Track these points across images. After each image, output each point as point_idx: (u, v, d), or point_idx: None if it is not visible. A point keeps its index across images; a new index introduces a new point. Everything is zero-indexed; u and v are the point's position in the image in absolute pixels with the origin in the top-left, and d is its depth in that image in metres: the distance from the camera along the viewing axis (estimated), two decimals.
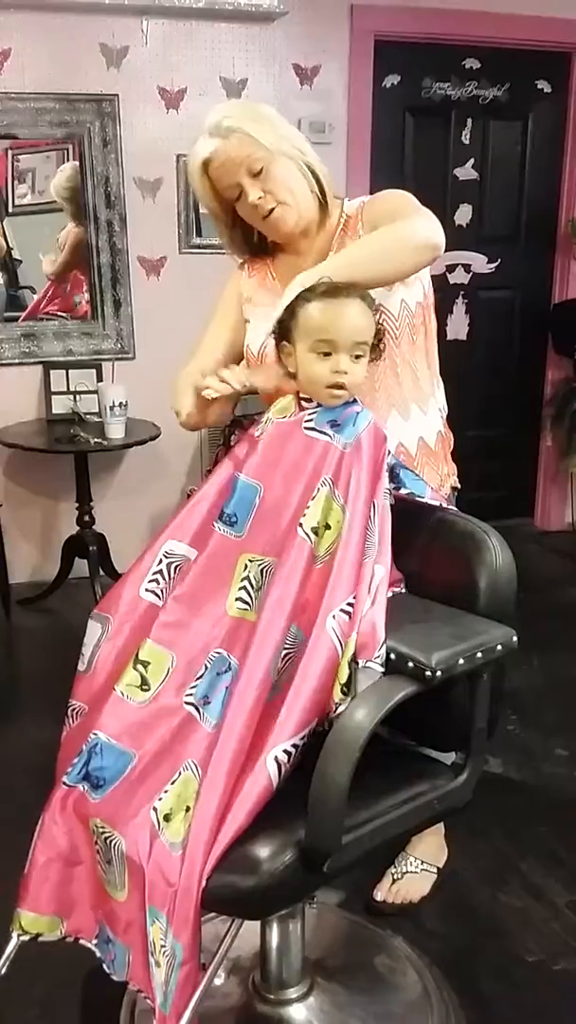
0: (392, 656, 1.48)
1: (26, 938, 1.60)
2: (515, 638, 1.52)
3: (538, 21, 4.23)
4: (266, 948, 1.83)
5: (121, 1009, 1.89)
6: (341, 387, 1.60)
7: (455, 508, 1.84)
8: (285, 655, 1.50)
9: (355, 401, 1.64)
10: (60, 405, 4.03)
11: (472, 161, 4.51)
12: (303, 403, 1.66)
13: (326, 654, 1.48)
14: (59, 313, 4.07)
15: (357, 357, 1.61)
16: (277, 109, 1.88)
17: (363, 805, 1.49)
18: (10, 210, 3.89)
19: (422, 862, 2.29)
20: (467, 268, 4.59)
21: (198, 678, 1.57)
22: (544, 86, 4.49)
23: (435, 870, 2.30)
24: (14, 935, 1.60)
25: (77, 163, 3.91)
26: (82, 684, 1.68)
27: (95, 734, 1.56)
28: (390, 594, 1.57)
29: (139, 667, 1.61)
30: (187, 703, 1.56)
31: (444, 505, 1.72)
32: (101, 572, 3.92)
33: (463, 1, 4.11)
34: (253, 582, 1.59)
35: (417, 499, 1.68)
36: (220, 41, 3.94)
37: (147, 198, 4.03)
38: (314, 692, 1.46)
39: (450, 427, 2.09)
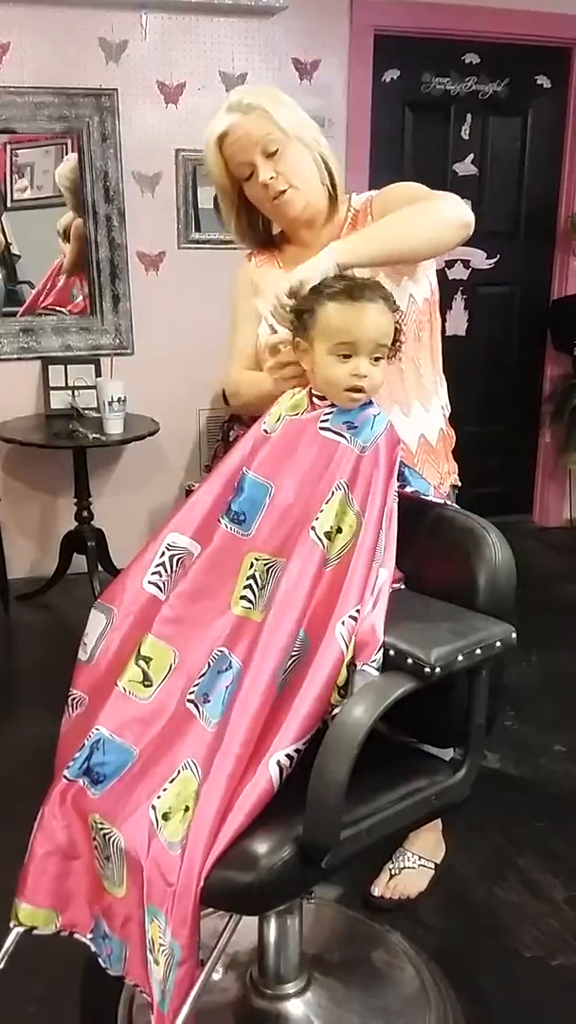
0: (391, 652, 1.47)
1: (22, 930, 1.60)
2: (514, 634, 1.51)
3: (538, 16, 4.22)
4: (264, 943, 1.83)
5: (119, 1004, 1.89)
6: (360, 390, 1.57)
7: (455, 504, 1.84)
8: (291, 659, 1.50)
9: (371, 403, 1.62)
10: (58, 400, 4.02)
11: (472, 156, 4.51)
12: (316, 400, 1.65)
13: (333, 660, 1.47)
14: (57, 308, 4.06)
15: (376, 359, 1.58)
16: None
17: (361, 801, 1.49)
18: (8, 205, 3.89)
19: (420, 858, 2.29)
20: (466, 264, 4.59)
21: (201, 676, 1.57)
22: (544, 81, 4.49)
23: (433, 866, 2.30)
24: (14, 930, 1.61)
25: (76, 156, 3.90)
26: (83, 674, 1.67)
27: (97, 729, 1.56)
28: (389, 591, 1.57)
29: (141, 663, 1.60)
30: (189, 700, 1.56)
31: (445, 502, 1.72)
32: (100, 567, 3.92)
33: None
34: (258, 581, 1.57)
35: (421, 496, 1.67)
36: (219, 35, 3.93)
37: (146, 193, 4.03)
38: (319, 698, 1.46)
39: (450, 424, 2.09)
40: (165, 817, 1.45)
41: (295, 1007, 1.85)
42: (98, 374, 4.01)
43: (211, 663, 1.56)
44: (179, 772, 1.48)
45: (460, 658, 1.45)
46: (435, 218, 1.74)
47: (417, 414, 1.97)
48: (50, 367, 4.03)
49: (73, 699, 1.68)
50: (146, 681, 1.59)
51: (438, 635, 1.47)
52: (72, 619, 3.60)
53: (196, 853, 1.39)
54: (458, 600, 1.57)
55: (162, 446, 4.15)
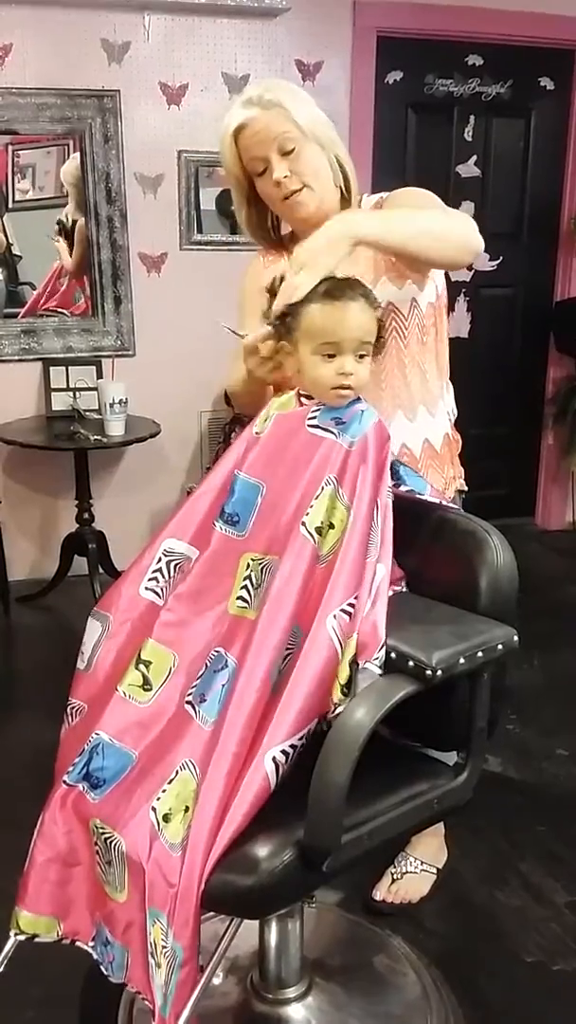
0: (392, 655, 1.47)
1: (23, 938, 1.59)
2: (516, 637, 1.51)
3: (541, 18, 4.22)
4: (265, 947, 1.83)
5: (119, 1009, 1.88)
6: (348, 388, 1.58)
7: (457, 507, 1.83)
8: (286, 655, 1.49)
9: (359, 399, 1.62)
10: (60, 402, 4.02)
11: (475, 158, 4.50)
12: (304, 401, 1.64)
13: (324, 654, 1.46)
14: (59, 309, 4.06)
15: (361, 357, 1.58)
16: None
17: (363, 804, 1.48)
18: (10, 205, 3.88)
19: (422, 862, 2.28)
20: (469, 265, 4.57)
21: (199, 677, 1.56)
22: (547, 83, 4.48)
23: (435, 871, 2.30)
24: (12, 935, 1.60)
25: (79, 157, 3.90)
26: (82, 683, 1.67)
27: (97, 734, 1.55)
28: (390, 593, 1.56)
29: (141, 667, 1.59)
30: (187, 702, 1.55)
31: (444, 503, 1.71)
32: (100, 570, 3.91)
33: None
34: (254, 580, 1.57)
35: (417, 496, 1.67)
36: (222, 37, 3.93)
37: (148, 194, 4.03)
38: (311, 693, 1.45)
39: (456, 428, 2.08)
40: (166, 818, 1.44)
41: (296, 1012, 1.84)
42: (99, 376, 4.01)
43: (208, 664, 1.56)
44: (177, 773, 1.48)
45: (462, 661, 1.44)
46: (457, 234, 1.74)
47: (422, 419, 1.96)
48: (51, 368, 4.02)
49: (72, 708, 1.67)
50: (146, 685, 1.59)
51: (439, 638, 1.47)
52: (73, 621, 3.60)
53: (197, 853, 1.38)
54: (460, 603, 1.57)
55: (163, 448, 4.15)
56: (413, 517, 1.63)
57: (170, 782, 1.47)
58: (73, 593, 3.94)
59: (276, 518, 1.57)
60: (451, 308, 4.52)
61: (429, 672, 1.41)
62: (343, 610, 1.48)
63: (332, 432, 1.57)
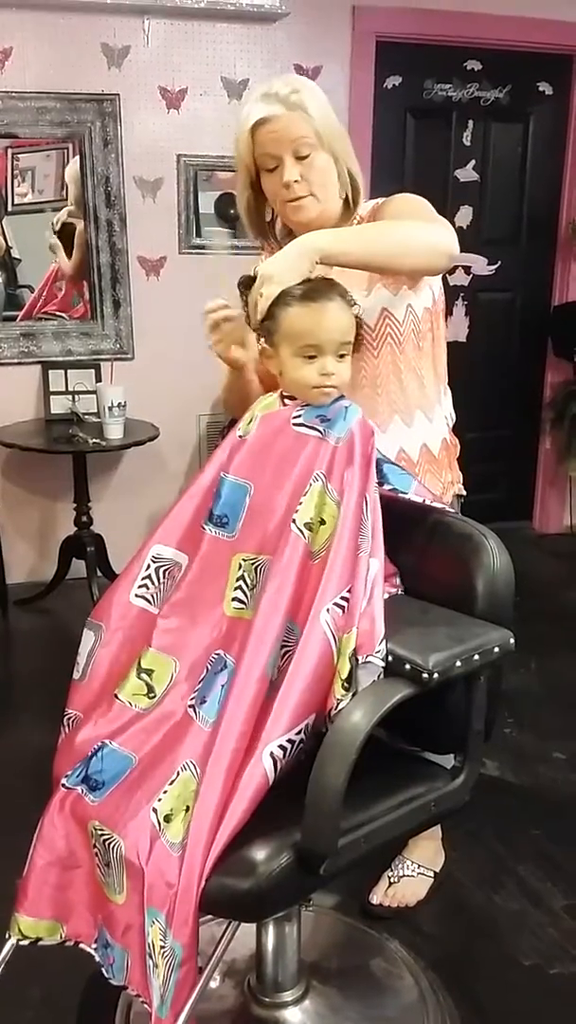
0: (389, 658, 1.47)
1: (25, 943, 1.59)
2: (512, 640, 1.51)
3: (539, 23, 4.23)
4: (262, 951, 1.83)
5: (116, 1011, 1.89)
6: (330, 387, 1.59)
7: (454, 510, 1.84)
8: (284, 652, 1.50)
9: (342, 396, 1.64)
10: (58, 405, 4.02)
11: (473, 163, 4.51)
12: (286, 400, 1.65)
13: (319, 648, 1.47)
14: (58, 313, 4.06)
15: (341, 356, 1.60)
16: None
17: (360, 807, 1.49)
18: (9, 209, 3.89)
19: (419, 866, 2.28)
20: (467, 270, 4.59)
21: (200, 681, 1.57)
22: (545, 88, 4.49)
23: (432, 874, 2.30)
24: (11, 939, 1.60)
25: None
26: (77, 693, 1.68)
27: (101, 743, 1.57)
28: (386, 595, 1.57)
29: (143, 676, 1.60)
30: (189, 706, 1.56)
31: (433, 503, 1.71)
32: (98, 573, 3.91)
33: (465, 3, 4.10)
34: (248, 581, 1.58)
35: (402, 496, 1.66)
36: (221, 41, 3.93)
37: (147, 198, 4.03)
38: (308, 687, 1.46)
39: (454, 433, 2.08)
40: (167, 819, 1.45)
41: (293, 1015, 1.84)
42: (98, 379, 4.00)
43: (209, 667, 1.57)
44: (178, 774, 1.49)
45: (458, 664, 1.45)
46: (421, 239, 1.74)
47: (419, 424, 1.96)
48: (50, 372, 4.02)
49: (69, 718, 1.68)
50: (150, 693, 1.60)
51: (436, 641, 1.47)
52: (71, 625, 3.60)
53: (196, 852, 1.39)
54: (456, 606, 1.57)
55: (162, 451, 4.15)
56: (410, 520, 1.64)
57: (171, 783, 1.48)
58: (71, 596, 3.94)
59: (266, 517, 1.58)
60: (449, 312, 4.52)
61: (426, 675, 1.42)
62: (336, 604, 1.49)
63: (318, 430, 1.59)
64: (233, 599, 1.58)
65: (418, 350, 1.93)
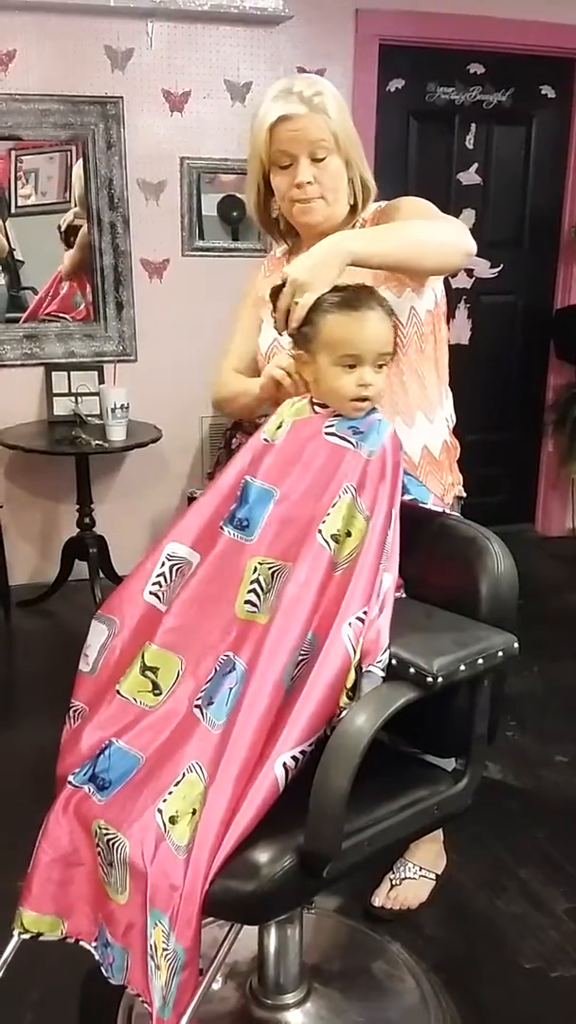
0: (393, 662, 1.47)
1: (27, 937, 1.60)
2: (516, 644, 1.51)
3: (543, 26, 4.23)
4: (264, 953, 1.83)
5: (118, 1013, 1.89)
6: (366, 399, 1.59)
7: (457, 514, 1.84)
8: (299, 661, 1.50)
9: (374, 409, 1.63)
10: (61, 407, 4.02)
11: (476, 166, 4.51)
12: (318, 409, 1.65)
13: (340, 662, 1.47)
14: (61, 314, 4.07)
15: (380, 367, 1.60)
16: None
17: (363, 810, 1.49)
18: (13, 211, 3.89)
19: (421, 868, 2.28)
20: (469, 272, 4.59)
21: (208, 681, 1.56)
22: (548, 91, 4.49)
23: (434, 876, 2.30)
24: (15, 934, 1.60)
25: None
26: (85, 685, 1.68)
27: (109, 741, 1.57)
28: None
29: (148, 673, 1.60)
30: (196, 706, 1.56)
31: (446, 511, 1.72)
32: (101, 574, 3.91)
33: (468, 6, 4.11)
34: (263, 584, 1.57)
35: (421, 505, 1.68)
36: (225, 44, 3.94)
37: (150, 200, 4.04)
38: (324, 699, 1.46)
39: (455, 435, 2.09)
40: (172, 820, 1.45)
41: (295, 1017, 1.84)
42: (101, 381, 4.01)
43: (217, 668, 1.56)
44: (184, 775, 1.48)
45: (462, 668, 1.45)
46: (447, 238, 1.76)
47: (420, 425, 1.97)
48: (53, 373, 4.03)
49: (75, 711, 1.68)
50: (156, 690, 1.60)
51: (440, 644, 1.47)
52: (73, 626, 3.60)
53: (202, 856, 1.39)
54: (460, 609, 1.57)
55: (164, 453, 4.15)
56: (414, 524, 1.64)
57: (177, 784, 1.48)
58: (74, 598, 3.94)
59: (289, 525, 1.58)
60: (452, 315, 4.53)
61: (430, 679, 1.42)
62: (358, 618, 1.49)
63: (350, 442, 1.59)
64: (246, 601, 1.58)
65: (420, 352, 1.93)
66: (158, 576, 1.66)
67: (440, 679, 1.42)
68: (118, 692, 1.62)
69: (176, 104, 3.96)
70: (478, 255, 4.70)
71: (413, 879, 2.27)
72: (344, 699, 1.47)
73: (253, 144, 1.86)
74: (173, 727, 1.56)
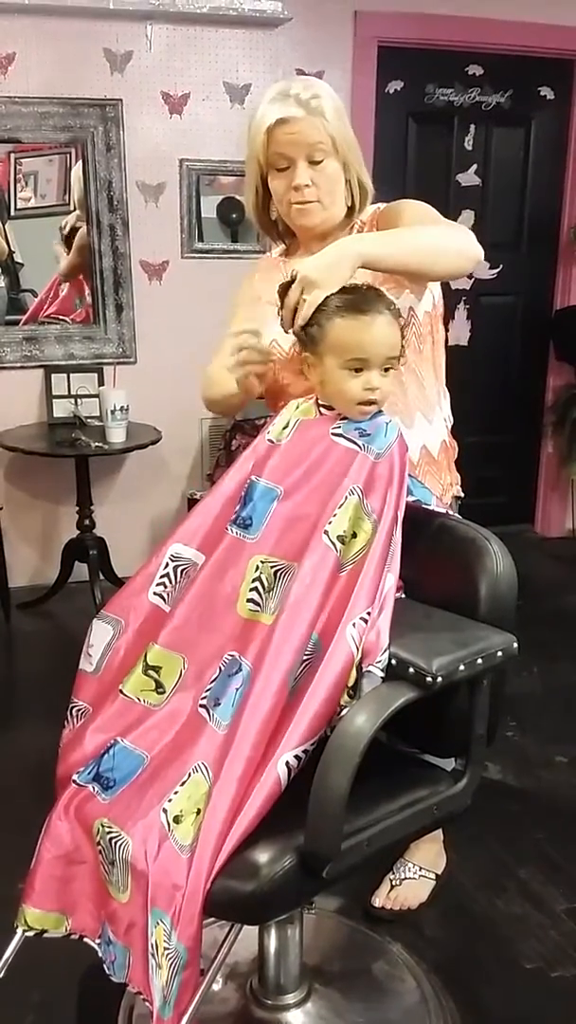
0: (393, 662, 1.48)
1: (31, 934, 1.60)
2: (515, 644, 1.52)
3: (541, 28, 4.24)
4: (264, 953, 1.83)
5: (119, 1013, 1.89)
6: (372, 403, 1.59)
7: (457, 514, 1.84)
8: (303, 662, 1.50)
9: (381, 411, 1.64)
10: (61, 409, 4.03)
11: (475, 167, 4.52)
12: (323, 409, 1.65)
13: (343, 662, 1.48)
14: (60, 317, 4.07)
15: (387, 370, 1.60)
16: None
17: (363, 811, 1.49)
18: (12, 213, 3.90)
19: (421, 868, 2.28)
20: (469, 274, 4.59)
21: (212, 681, 1.57)
22: (547, 93, 4.50)
23: (434, 876, 2.30)
24: (19, 931, 1.61)
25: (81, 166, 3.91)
26: (87, 685, 1.68)
27: (113, 740, 1.57)
28: None
29: (151, 673, 1.61)
30: (201, 705, 1.56)
31: (447, 512, 1.72)
32: (101, 576, 3.91)
33: (466, 8, 4.12)
34: (265, 583, 1.57)
35: (423, 506, 1.68)
36: (224, 46, 3.94)
37: (150, 202, 4.04)
38: (327, 699, 1.46)
39: (453, 435, 2.09)
40: (176, 820, 1.45)
41: (295, 1017, 1.84)
42: (101, 383, 4.01)
43: (222, 668, 1.57)
44: (190, 775, 1.49)
45: (462, 668, 1.45)
46: (458, 246, 1.77)
47: (419, 426, 1.97)
48: (53, 376, 4.03)
49: (77, 710, 1.68)
50: (159, 689, 1.60)
51: (440, 645, 1.48)
52: (73, 628, 3.60)
53: (205, 855, 1.40)
54: (459, 610, 1.58)
55: (164, 455, 4.16)
56: (414, 524, 1.64)
57: (182, 784, 1.48)
58: (74, 599, 3.95)
59: (293, 524, 1.58)
60: (451, 316, 4.53)
61: (429, 679, 1.42)
62: (362, 618, 1.50)
63: (357, 444, 1.59)
64: (248, 600, 1.58)
65: (418, 353, 1.94)
66: (162, 577, 1.66)
67: (439, 679, 1.42)
68: (121, 692, 1.62)
69: (175, 106, 3.96)
70: None
71: (413, 879, 2.27)
72: (345, 698, 1.47)
73: (251, 147, 1.86)
74: (179, 727, 1.56)
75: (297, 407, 1.69)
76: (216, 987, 1.79)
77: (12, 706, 3.34)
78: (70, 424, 3.92)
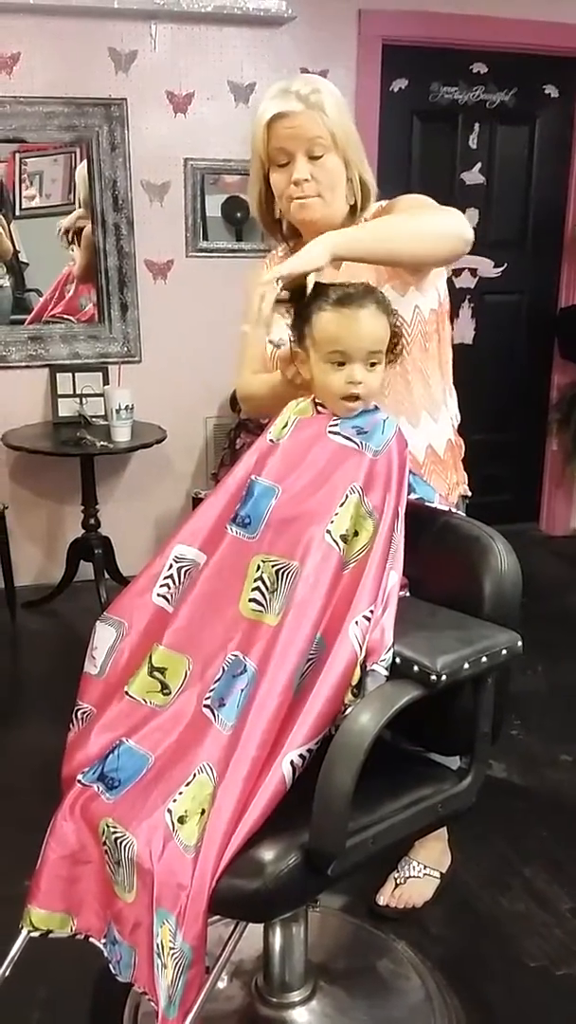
0: (397, 660, 1.48)
1: (36, 934, 1.60)
2: (520, 643, 1.52)
3: (545, 26, 4.23)
4: (269, 951, 1.83)
5: (124, 1011, 1.89)
6: (356, 398, 1.59)
7: (461, 513, 1.84)
8: (308, 662, 1.50)
9: (377, 408, 1.63)
10: (66, 408, 4.03)
11: (479, 165, 4.52)
12: (320, 408, 1.66)
13: (346, 661, 1.48)
14: (65, 316, 4.08)
15: (372, 365, 1.60)
16: None
17: (367, 809, 1.49)
18: (17, 213, 3.90)
19: (425, 866, 2.28)
20: (473, 272, 4.60)
21: (216, 681, 1.57)
22: (551, 91, 4.49)
23: (438, 875, 2.30)
24: (24, 931, 1.61)
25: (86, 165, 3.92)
26: (92, 687, 1.68)
27: (119, 740, 1.58)
28: None
29: (156, 674, 1.61)
30: (205, 706, 1.56)
31: (451, 509, 1.72)
32: (106, 575, 3.92)
33: (471, 6, 4.11)
34: (267, 583, 1.57)
35: (426, 504, 1.68)
36: (228, 45, 3.95)
37: (154, 201, 4.04)
38: (332, 698, 1.47)
39: (459, 434, 2.09)
40: (181, 820, 1.45)
41: (300, 1015, 1.85)
42: (106, 382, 4.02)
43: (225, 668, 1.57)
44: (195, 776, 1.49)
45: (466, 666, 1.45)
46: (435, 226, 1.76)
47: (425, 424, 1.97)
48: (58, 375, 4.04)
49: (82, 713, 1.68)
50: (164, 690, 1.60)
51: (444, 643, 1.48)
52: (79, 627, 3.61)
53: (210, 855, 1.40)
54: (464, 608, 1.58)
55: (169, 454, 4.16)
56: (418, 522, 1.64)
57: (187, 784, 1.48)
58: (79, 598, 3.95)
59: (293, 523, 1.58)
60: (455, 314, 4.53)
61: (434, 677, 1.42)
62: (365, 616, 1.50)
63: (354, 442, 1.59)
64: (250, 600, 1.58)
65: (424, 351, 1.94)
66: (166, 578, 1.66)
67: (444, 677, 1.42)
68: (127, 693, 1.63)
69: (180, 105, 3.96)
70: (482, 254, 4.73)
71: (418, 878, 2.27)
72: (350, 696, 1.48)
73: (253, 143, 1.87)
74: (183, 728, 1.56)
75: (296, 406, 1.69)
76: (221, 985, 1.79)
77: (18, 705, 3.35)
78: (75, 423, 3.93)
